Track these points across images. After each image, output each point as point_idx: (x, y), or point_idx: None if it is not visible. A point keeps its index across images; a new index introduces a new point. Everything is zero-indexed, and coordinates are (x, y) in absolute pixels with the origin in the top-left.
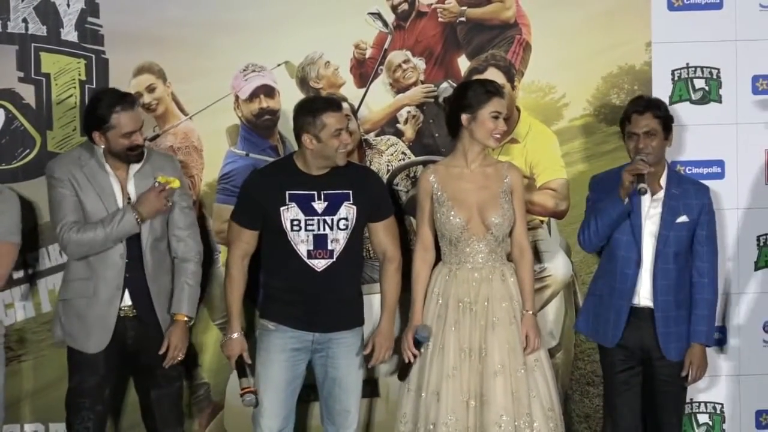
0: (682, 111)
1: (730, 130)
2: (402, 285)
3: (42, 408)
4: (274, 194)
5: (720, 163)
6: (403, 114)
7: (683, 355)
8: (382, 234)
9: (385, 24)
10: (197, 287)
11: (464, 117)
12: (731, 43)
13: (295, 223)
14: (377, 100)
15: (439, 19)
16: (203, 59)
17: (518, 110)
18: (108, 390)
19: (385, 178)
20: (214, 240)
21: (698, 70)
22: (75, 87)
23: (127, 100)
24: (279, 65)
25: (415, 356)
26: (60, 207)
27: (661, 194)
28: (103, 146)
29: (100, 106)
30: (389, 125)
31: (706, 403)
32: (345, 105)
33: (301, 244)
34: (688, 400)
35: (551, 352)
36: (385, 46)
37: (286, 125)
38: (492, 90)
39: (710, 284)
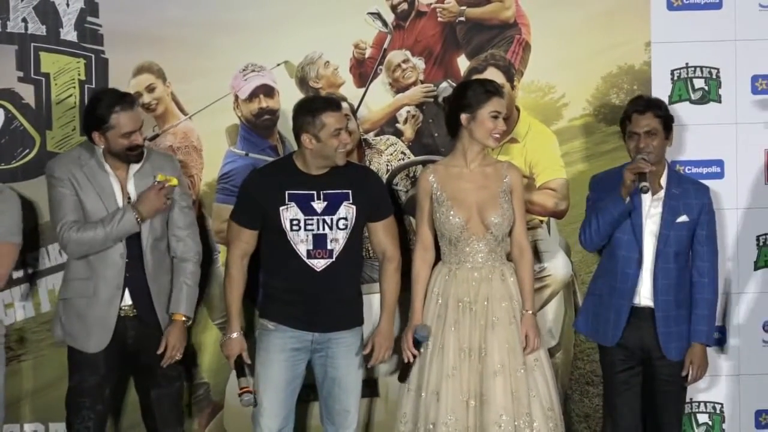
0: (681, 111)
1: (730, 129)
2: (402, 285)
3: (42, 408)
4: (274, 194)
5: (719, 163)
6: (402, 114)
7: (683, 354)
8: (382, 234)
9: (385, 24)
10: (196, 287)
11: (464, 117)
12: (731, 42)
13: (295, 222)
14: (377, 99)
15: (439, 19)
16: (203, 59)
17: (518, 110)
18: (108, 390)
19: (384, 177)
20: (214, 240)
21: (698, 69)
22: (74, 87)
23: (127, 100)
24: (278, 65)
25: (414, 356)
26: (60, 206)
27: (661, 194)
28: (102, 146)
29: (100, 106)
30: (389, 125)
31: (705, 402)
32: (344, 105)
33: (301, 243)
34: (687, 400)
35: (551, 352)
36: (385, 45)
37: (285, 125)
38: (491, 90)
39: (710, 284)
